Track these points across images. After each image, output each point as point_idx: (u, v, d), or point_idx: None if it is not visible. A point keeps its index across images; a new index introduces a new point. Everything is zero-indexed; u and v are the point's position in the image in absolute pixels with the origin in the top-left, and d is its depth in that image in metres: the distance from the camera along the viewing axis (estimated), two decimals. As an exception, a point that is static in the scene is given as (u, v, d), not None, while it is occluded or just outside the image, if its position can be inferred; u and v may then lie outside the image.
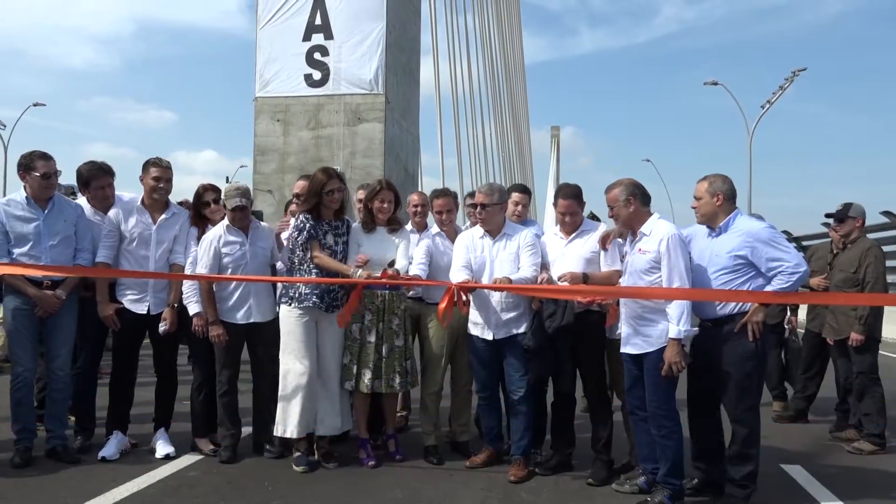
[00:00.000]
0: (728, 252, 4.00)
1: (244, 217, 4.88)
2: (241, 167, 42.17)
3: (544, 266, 4.60)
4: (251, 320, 4.87)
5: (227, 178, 37.09)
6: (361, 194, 5.29)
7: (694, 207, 4.20)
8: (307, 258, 4.74)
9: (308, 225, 4.70)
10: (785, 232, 15.55)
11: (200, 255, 4.85)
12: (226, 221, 4.89)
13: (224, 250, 4.82)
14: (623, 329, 4.19)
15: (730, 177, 4.15)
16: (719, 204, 4.09)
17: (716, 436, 4.25)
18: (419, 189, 10.12)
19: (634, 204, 4.10)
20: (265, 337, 4.93)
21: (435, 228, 5.18)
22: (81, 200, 5.18)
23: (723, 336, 4.03)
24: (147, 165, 4.96)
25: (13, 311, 4.66)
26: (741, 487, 4.01)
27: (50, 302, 4.64)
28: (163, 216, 4.97)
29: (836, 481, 4.60)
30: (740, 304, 4.02)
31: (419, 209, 5.27)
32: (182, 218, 5.08)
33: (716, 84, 29.83)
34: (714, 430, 4.25)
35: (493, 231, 4.67)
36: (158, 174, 4.92)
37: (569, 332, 4.42)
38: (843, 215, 5.76)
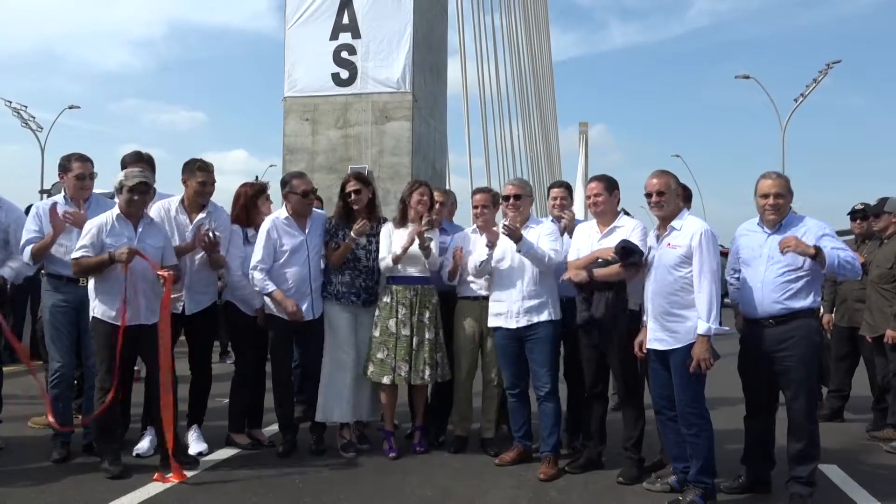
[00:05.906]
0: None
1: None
2: (270, 166, 42.64)
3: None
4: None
5: (257, 177, 37.41)
6: (439, 196, 5.27)
7: (773, 206, 3.99)
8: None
9: (329, 230, 4.96)
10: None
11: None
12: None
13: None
14: (649, 325, 4.15)
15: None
16: (790, 202, 4.10)
17: (770, 435, 4.24)
18: (447, 186, 10.08)
19: (681, 196, 4.12)
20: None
21: (474, 225, 5.06)
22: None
23: (787, 334, 3.96)
24: (193, 168, 4.90)
25: (51, 308, 4.75)
26: (808, 485, 4.01)
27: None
28: (199, 216, 4.92)
29: (873, 481, 4.52)
30: (810, 301, 3.97)
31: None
32: (221, 216, 5.04)
33: (748, 78, 29.45)
34: (770, 429, 4.24)
35: (519, 224, 4.65)
36: (204, 178, 4.87)
37: (598, 327, 4.39)
38: (879, 210, 5.70)
